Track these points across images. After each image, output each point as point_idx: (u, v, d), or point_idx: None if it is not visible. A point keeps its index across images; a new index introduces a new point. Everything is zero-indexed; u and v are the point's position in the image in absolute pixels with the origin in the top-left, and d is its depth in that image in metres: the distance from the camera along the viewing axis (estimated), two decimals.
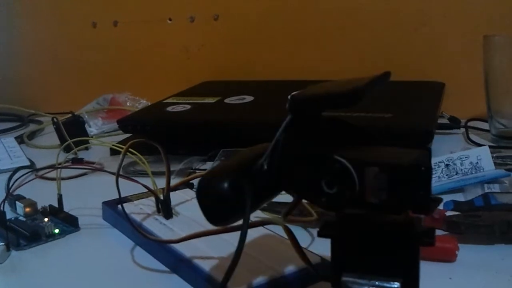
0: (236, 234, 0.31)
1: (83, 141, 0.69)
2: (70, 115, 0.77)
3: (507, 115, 0.71)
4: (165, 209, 0.46)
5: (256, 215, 0.46)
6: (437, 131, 0.70)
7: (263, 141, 0.32)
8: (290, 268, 0.37)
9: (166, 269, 0.41)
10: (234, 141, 0.61)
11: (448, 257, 0.40)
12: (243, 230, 0.30)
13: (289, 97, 0.30)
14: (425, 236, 0.28)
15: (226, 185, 0.30)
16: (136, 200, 0.50)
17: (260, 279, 0.35)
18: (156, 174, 0.50)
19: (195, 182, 0.57)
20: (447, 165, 0.56)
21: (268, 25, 0.96)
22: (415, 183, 0.26)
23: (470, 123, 0.77)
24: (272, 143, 0.30)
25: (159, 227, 0.44)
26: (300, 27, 0.94)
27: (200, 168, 0.64)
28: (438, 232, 0.38)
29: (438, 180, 0.55)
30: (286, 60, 0.96)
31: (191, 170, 0.62)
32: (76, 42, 1.07)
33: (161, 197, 0.47)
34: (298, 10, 0.94)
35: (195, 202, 0.49)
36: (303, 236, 0.44)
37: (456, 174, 0.55)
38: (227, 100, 0.78)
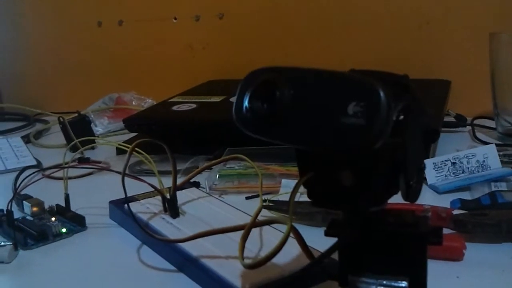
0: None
1: (89, 140, 0.70)
2: (76, 114, 0.77)
3: None
4: (172, 208, 0.46)
5: (263, 214, 0.45)
6: (443, 129, 0.70)
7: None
8: (296, 267, 0.37)
9: (173, 268, 0.41)
10: (239, 140, 0.61)
11: (456, 256, 0.40)
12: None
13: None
14: (432, 235, 0.28)
15: None
16: (142, 199, 0.50)
17: (266, 278, 0.35)
18: (162, 173, 0.50)
19: (201, 180, 0.57)
20: (453, 164, 0.56)
21: (273, 24, 0.96)
22: None
23: (476, 121, 0.76)
24: None
25: (165, 226, 0.44)
26: (305, 26, 0.94)
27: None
28: (445, 231, 0.38)
29: (445, 179, 0.55)
30: (291, 59, 0.96)
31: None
32: (82, 42, 1.07)
33: (168, 196, 0.47)
34: (303, 9, 0.94)
35: (201, 201, 0.50)
36: (309, 235, 0.44)
37: (462, 173, 0.55)
38: (232, 99, 0.78)
